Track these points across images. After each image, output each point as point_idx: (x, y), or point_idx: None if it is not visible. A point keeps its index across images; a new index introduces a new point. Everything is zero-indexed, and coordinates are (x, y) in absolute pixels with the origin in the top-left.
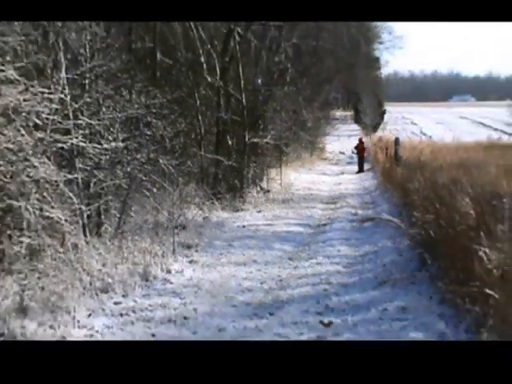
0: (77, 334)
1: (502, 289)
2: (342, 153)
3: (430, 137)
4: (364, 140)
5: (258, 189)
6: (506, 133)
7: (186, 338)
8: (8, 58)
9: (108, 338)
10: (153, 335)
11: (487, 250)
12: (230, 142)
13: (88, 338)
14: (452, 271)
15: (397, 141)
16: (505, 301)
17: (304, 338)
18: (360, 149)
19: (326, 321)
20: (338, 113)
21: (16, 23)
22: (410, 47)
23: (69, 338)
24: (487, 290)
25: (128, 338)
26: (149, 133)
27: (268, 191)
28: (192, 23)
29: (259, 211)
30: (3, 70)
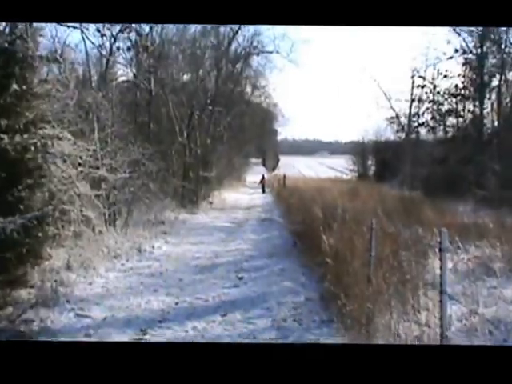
0: (98, 281)
1: (333, 259)
2: (255, 182)
3: (303, 174)
4: (266, 176)
5: (206, 202)
6: (343, 173)
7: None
8: (65, 125)
9: (113, 285)
10: (141, 282)
11: (325, 237)
12: (191, 175)
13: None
14: (309, 249)
15: (284, 176)
16: (335, 266)
17: (226, 285)
18: (262, 180)
19: (239, 275)
20: (254, 160)
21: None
22: (294, 124)
23: (92, 288)
24: (327, 259)
25: (126, 285)
26: (143, 169)
27: (211, 203)
28: (171, 104)
29: (206, 214)
30: (62, 133)
